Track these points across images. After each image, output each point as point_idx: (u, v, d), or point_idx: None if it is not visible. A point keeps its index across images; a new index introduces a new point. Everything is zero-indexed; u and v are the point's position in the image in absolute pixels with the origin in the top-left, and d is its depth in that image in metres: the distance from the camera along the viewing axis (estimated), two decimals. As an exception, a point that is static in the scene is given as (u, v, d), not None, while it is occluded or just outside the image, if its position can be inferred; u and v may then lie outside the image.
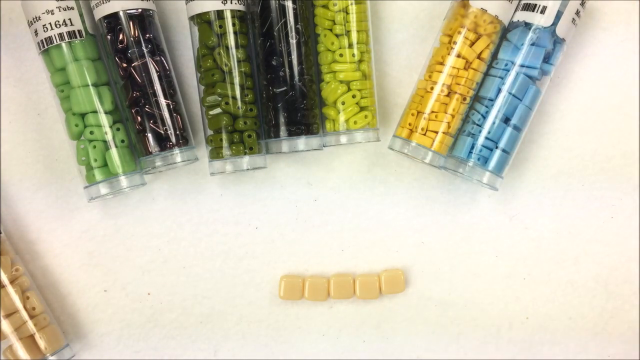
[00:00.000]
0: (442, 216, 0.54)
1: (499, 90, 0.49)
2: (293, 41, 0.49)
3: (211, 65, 0.49)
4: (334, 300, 0.54)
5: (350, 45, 0.50)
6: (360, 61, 0.50)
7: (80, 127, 0.49)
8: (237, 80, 0.49)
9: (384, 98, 0.55)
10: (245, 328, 0.54)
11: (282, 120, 0.50)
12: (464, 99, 0.50)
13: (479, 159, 0.50)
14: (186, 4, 0.50)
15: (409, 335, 0.54)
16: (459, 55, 0.49)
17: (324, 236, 0.54)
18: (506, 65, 0.49)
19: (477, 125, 0.50)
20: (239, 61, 0.49)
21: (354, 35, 0.50)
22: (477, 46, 0.49)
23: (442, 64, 0.50)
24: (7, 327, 0.49)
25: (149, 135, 0.50)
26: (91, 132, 0.49)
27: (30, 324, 0.49)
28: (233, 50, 0.49)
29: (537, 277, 0.54)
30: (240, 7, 0.50)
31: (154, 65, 0.49)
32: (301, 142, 0.50)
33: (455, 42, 0.49)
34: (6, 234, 0.53)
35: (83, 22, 0.49)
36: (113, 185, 0.49)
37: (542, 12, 0.49)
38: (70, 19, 0.48)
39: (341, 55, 0.50)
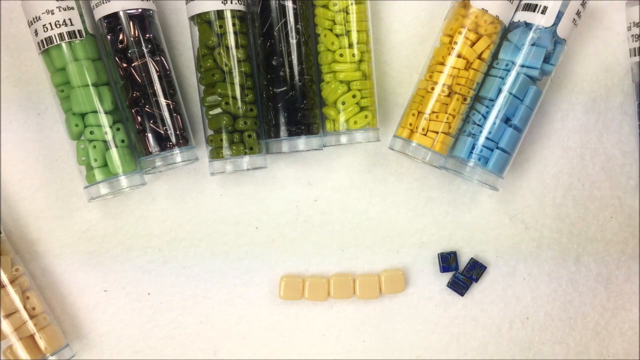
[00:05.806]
0: (442, 216, 0.54)
1: (500, 91, 0.49)
2: (293, 41, 0.49)
3: (211, 65, 0.49)
4: (334, 300, 0.54)
5: (351, 45, 0.50)
6: (360, 61, 0.50)
7: (80, 127, 0.49)
8: (237, 80, 0.49)
9: (384, 98, 0.55)
10: (245, 328, 0.54)
11: (282, 120, 0.50)
12: (465, 99, 0.50)
13: (479, 159, 0.50)
14: (186, 4, 0.50)
15: (409, 335, 0.54)
16: (459, 56, 0.49)
17: (324, 236, 0.54)
18: (507, 65, 0.49)
19: (478, 125, 0.50)
20: (239, 61, 0.49)
21: (354, 35, 0.50)
22: (478, 46, 0.49)
23: (442, 64, 0.49)
24: (7, 327, 0.49)
25: (149, 135, 0.49)
26: (91, 132, 0.49)
27: (30, 324, 0.49)
28: (233, 50, 0.49)
29: (537, 277, 0.54)
30: (240, 7, 0.50)
31: (154, 65, 0.49)
32: (301, 142, 0.50)
33: (455, 42, 0.49)
34: (6, 234, 0.52)
35: (83, 22, 0.49)
36: (113, 185, 0.49)
37: (543, 12, 0.49)
38: (70, 19, 0.48)
39: (341, 55, 0.50)
